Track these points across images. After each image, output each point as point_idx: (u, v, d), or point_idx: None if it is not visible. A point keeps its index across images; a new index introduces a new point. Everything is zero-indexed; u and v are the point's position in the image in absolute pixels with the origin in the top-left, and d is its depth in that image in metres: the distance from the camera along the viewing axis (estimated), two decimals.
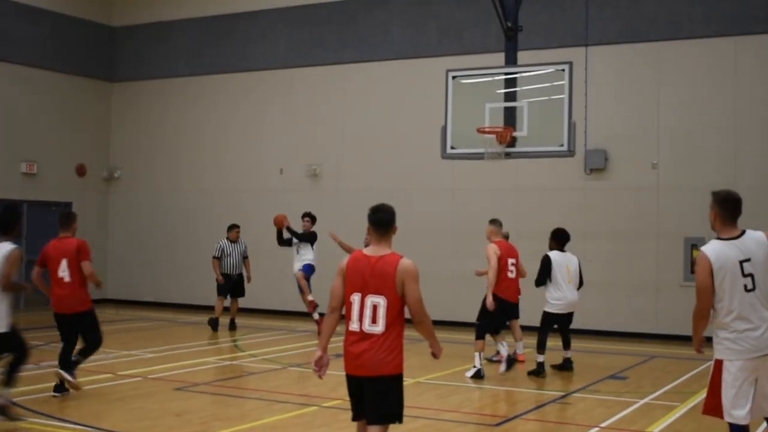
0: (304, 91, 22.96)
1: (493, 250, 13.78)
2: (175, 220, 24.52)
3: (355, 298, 6.89)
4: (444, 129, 15.38)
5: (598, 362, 15.48)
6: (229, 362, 15.12)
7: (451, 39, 21.00)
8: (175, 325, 20.28)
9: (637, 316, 18.84)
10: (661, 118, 19.00)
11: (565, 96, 14.51)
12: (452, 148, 15.38)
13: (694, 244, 18.42)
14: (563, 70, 14.60)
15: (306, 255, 18.57)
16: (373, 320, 6.78)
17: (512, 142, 14.89)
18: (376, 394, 6.80)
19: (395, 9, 21.84)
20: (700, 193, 18.18)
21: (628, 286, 18.90)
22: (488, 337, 14.35)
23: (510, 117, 14.94)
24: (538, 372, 13.69)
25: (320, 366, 7.04)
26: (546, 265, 13.84)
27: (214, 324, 19.26)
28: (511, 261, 14.00)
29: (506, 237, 14.86)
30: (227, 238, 19.74)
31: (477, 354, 13.59)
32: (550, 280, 13.81)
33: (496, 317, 14.02)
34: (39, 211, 23.82)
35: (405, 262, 6.97)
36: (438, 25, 21.30)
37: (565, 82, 14.52)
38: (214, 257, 19.63)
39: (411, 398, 11.74)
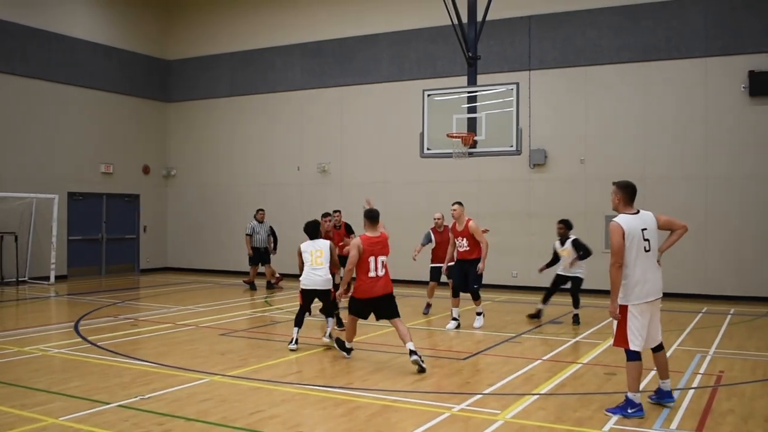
0: (315, 106, 22.89)
1: (476, 224, 13.21)
2: (217, 206, 24.50)
3: (371, 258, 9.75)
4: (422, 135, 15.34)
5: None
6: (261, 314, 15.12)
7: (427, 66, 20.95)
8: (218, 286, 20.26)
9: None
10: (587, 125, 19.00)
11: (513, 109, 14.46)
12: (428, 149, 15.34)
13: (612, 221, 18.47)
14: (512, 88, 14.55)
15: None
16: (382, 269, 9.81)
17: (474, 144, 14.84)
18: (390, 303, 9.92)
19: (384, 44, 21.75)
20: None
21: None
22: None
23: (472, 125, 14.90)
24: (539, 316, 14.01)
25: (343, 296, 10.66)
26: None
27: (251, 286, 19.51)
28: None
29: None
30: (255, 219, 19.67)
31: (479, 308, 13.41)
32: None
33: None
34: (115, 201, 23.82)
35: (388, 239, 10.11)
36: (416, 56, 21.24)
37: (514, 98, 14.46)
38: (246, 234, 19.59)
39: (397, 339, 11.75)
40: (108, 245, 23.68)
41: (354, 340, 10.55)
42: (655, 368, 7.83)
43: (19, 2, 21.06)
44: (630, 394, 7.35)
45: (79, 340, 11.73)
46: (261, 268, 19.78)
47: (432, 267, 14.87)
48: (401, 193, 21.16)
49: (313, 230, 11.37)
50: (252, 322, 13.90)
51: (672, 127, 18.13)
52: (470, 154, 15.16)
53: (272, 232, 19.80)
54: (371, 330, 12.84)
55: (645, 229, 7.45)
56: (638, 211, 7.58)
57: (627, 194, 7.63)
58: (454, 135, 14.77)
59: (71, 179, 22.32)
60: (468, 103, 15.11)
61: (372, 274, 9.72)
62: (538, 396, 8.18)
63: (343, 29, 22.47)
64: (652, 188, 18.15)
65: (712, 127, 17.74)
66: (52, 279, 20.62)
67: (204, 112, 25.13)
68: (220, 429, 6.94)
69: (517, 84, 14.68)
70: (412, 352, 9.39)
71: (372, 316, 10.16)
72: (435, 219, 15.10)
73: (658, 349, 7.69)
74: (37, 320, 14.12)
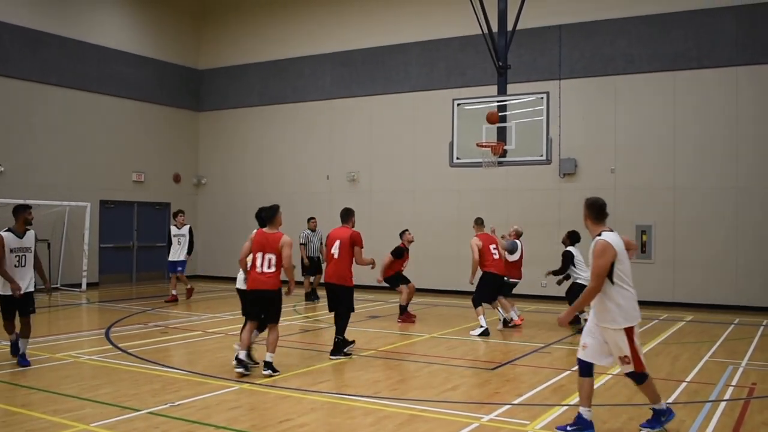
0: (344, 115, 22.98)
1: (474, 242, 13.81)
2: (247, 215, 24.38)
3: (259, 255, 9.73)
4: (451, 144, 15.36)
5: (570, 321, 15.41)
6: (288, 322, 15.15)
7: (456, 75, 20.95)
8: None
9: None
10: (617, 135, 18.89)
11: (543, 118, 14.45)
12: (457, 158, 15.35)
13: (643, 231, 18.35)
14: (542, 98, 14.55)
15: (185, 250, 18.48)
16: (269, 266, 9.66)
17: (503, 153, 14.84)
18: (271, 304, 9.76)
19: (413, 53, 21.80)
20: (646, 191, 18.28)
21: None
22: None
23: (501, 134, 14.89)
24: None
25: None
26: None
27: (308, 296, 18.60)
28: (492, 246, 13.84)
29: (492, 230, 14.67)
30: (309, 228, 18.80)
31: (481, 317, 13.44)
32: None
33: (489, 289, 13.83)
34: (146, 209, 24.06)
35: (285, 238, 9.79)
36: (446, 65, 21.25)
37: (544, 107, 14.46)
38: (300, 244, 18.57)
39: (427, 348, 11.75)
40: (139, 253, 23.91)
41: (370, 348, 10.50)
42: (580, 396, 7.22)
43: (54, 13, 21.40)
44: (656, 406, 7.15)
45: (110, 347, 11.83)
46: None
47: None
48: (430, 203, 21.13)
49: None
50: (281, 331, 13.91)
51: (702, 137, 17.97)
52: (500, 164, 15.14)
53: (322, 242, 19.12)
54: (399, 339, 12.84)
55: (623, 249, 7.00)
56: (611, 230, 7.07)
57: (593, 212, 7.10)
58: (484, 144, 14.76)
59: (103, 187, 22.58)
60: (498, 112, 15.09)
61: (258, 269, 9.70)
62: (567, 407, 8.11)
63: (372, 38, 22.54)
64: (683, 197, 18.00)
65: (742, 136, 17.55)
66: (84, 286, 20.83)
67: (234, 121, 25.32)
68: None
69: (547, 93, 14.65)
70: (266, 364, 9.64)
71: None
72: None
73: (591, 373, 7.19)
74: (69, 327, 14.27)
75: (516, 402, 8.36)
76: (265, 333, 10.10)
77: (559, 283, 14.49)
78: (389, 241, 19.44)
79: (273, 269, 9.69)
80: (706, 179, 17.83)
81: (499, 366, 10.59)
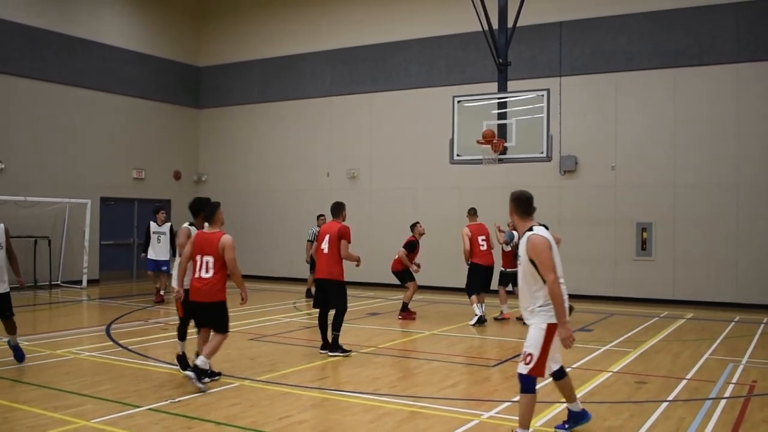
0: (344, 113, 22.97)
1: (464, 231, 14.52)
2: (248, 212, 24.60)
3: (198, 257, 8.74)
4: (451, 141, 15.31)
5: (570, 318, 15.39)
6: (289, 320, 15.16)
7: (456, 72, 20.94)
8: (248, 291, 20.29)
9: (599, 282, 18.74)
10: (618, 132, 18.87)
11: (544, 115, 14.37)
12: (458, 155, 15.30)
13: (643, 228, 18.34)
14: (543, 95, 14.48)
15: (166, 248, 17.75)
16: (206, 270, 8.68)
17: (504, 150, 14.79)
18: (212, 314, 8.80)
19: (414, 50, 21.78)
20: (648, 189, 18.28)
21: (592, 260, 18.79)
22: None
23: (502, 131, 14.84)
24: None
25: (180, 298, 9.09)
26: None
27: (308, 293, 18.32)
28: (481, 237, 14.48)
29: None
30: (317, 226, 18.05)
31: (475, 306, 14.05)
32: None
33: (478, 278, 14.32)
34: (146, 206, 24.02)
35: (225, 237, 8.72)
36: (446, 62, 21.24)
37: (544, 104, 14.38)
38: (308, 240, 18.40)
39: (427, 345, 11.76)
40: (139, 250, 23.83)
41: (369, 346, 10.49)
42: (563, 397, 7.03)
43: (54, 10, 21.38)
44: (521, 430, 6.51)
45: (111, 343, 11.85)
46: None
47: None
48: (430, 200, 21.12)
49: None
50: (281, 327, 13.93)
51: (703, 134, 17.95)
52: (500, 161, 15.11)
53: None
54: (399, 336, 12.84)
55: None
56: (541, 224, 6.78)
57: (519, 206, 6.84)
58: (484, 141, 14.74)
59: (104, 184, 22.58)
60: (498, 110, 15.07)
61: (196, 274, 8.75)
62: (566, 404, 8.10)
63: (373, 36, 22.52)
64: (684, 195, 17.98)
65: (743, 133, 17.53)
66: (85, 283, 20.83)
67: (234, 118, 25.31)
68: None
69: (548, 90, 14.60)
70: (194, 368, 8.62)
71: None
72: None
73: (564, 374, 6.91)
74: (70, 323, 14.28)
75: (516, 399, 8.33)
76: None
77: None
78: (389, 238, 19.50)
79: (210, 273, 8.66)
80: (707, 176, 17.82)
81: (499, 363, 10.59)
